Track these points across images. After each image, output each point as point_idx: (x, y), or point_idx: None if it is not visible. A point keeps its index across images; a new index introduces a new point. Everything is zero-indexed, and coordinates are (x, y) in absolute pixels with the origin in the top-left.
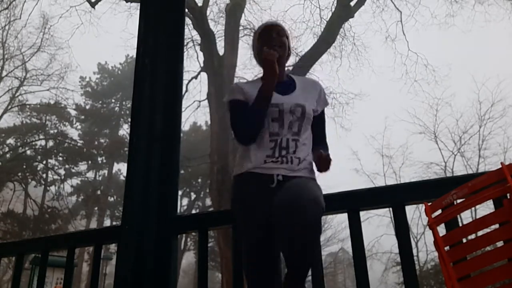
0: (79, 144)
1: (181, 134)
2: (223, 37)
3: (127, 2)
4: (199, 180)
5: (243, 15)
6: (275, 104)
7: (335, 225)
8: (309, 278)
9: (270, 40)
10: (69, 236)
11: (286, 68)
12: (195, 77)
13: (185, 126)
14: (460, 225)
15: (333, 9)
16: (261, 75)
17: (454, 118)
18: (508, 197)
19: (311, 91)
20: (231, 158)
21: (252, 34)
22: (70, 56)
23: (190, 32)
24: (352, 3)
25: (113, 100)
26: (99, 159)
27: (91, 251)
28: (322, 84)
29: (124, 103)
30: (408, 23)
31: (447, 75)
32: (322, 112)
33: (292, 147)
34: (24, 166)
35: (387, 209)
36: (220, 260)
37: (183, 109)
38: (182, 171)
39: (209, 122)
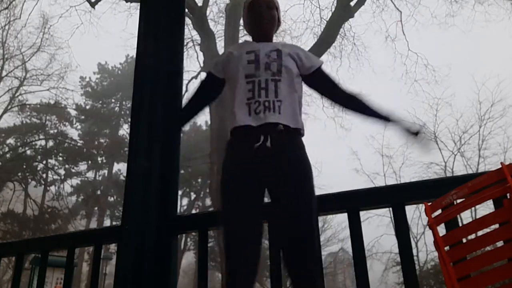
0: (79, 144)
1: (181, 134)
2: (223, 37)
3: (127, 2)
4: (199, 180)
5: None
6: (251, 50)
7: (335, 225)
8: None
9: (260, 13)
10: (69, 236)
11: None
12: (195, 77)
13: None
14: (460, 225)
15: (333, 9)
16: (250, 39)
17: (454, 118)
18: (508, 197)
19: (289, 47)
20: None
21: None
22: (70, 56)
23: (190, 32)
24: (352, 3)
25: (113, 100)
26: (99, 159)
27: (91, 251)
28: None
29: (124, 103)
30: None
31: (447, 75)
32: (319, 69)
33: (272, 87)
34: (24, 166)
35: (387, 209)
36: (220, 260)
37: None
38: (182, 171)
39: (209, 122)
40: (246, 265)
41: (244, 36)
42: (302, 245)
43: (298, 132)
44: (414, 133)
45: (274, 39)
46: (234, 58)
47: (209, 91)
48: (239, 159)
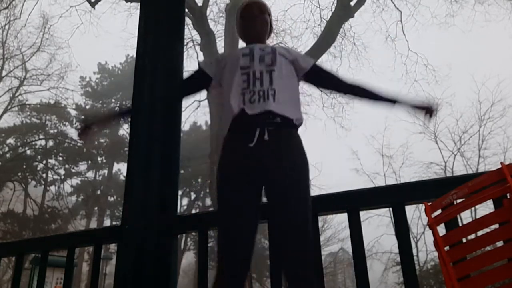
0: (79, 144)
1: (181, 134)
2: (223, 37)
3: (127, 2)
4: (199, 180)
5: None
6: (245, 47)
7: (335, 225)
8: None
9: (252, 17)
10: (69, 236)
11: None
12: None
13: (185, 126)
14: (460, 225)
15: (333, 9)
16: (244, 45)
17: (454, 118)
18: (508, 197)
19: (283, 49)
20: None
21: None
22: (70, 56)
23: (190, 32)
24: (352, 3)
25: (113, 100)
26: (99, 159)
27: (91, 251)
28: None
29: (124, 103)
30: (408, 23)
31: (447, 75)
32: (315, 66)
33: (267, 77)
34: (24, 166)
35: (387, 209)
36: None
37: (183, 109)
38: (182, 171)
39: (209, 122)
40: (237, 263)
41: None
42: (298, 241)
43: (295, 124)
44: (424, 109)
45: (273, 40)
46: (230, 55)
47: (193, 83)
48: (236, 156)
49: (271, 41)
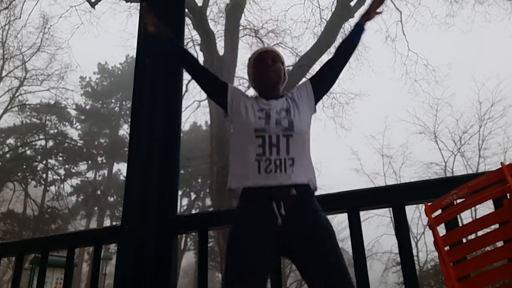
0: (79, 144)
1: (181, 134)
2: (223, 37)
3: (127, 2)
4: (199, 180)
5: (243, 15)
6: (262, 108)
7: (335, 225)
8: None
9: (265, 67)
10: (69, 236)
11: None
12: None
13: (185, 126)
14: (460, 225)
15: (333, 9)
16: (255, 94)
17: (454, 118)
18: (508, 197)
19: (300, 96)
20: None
21: (252, 33)
22: (70, 56)
23: (190, 32)
24: (352, 3)
25: (113, 100)
26: (99, 159)
27: (91, 251)
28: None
29: (124, 103)
30: (408, 23)
31: (447, 75)
32: (311, 79)
33: (284, 144)
34: (24, 166)
35: (387, 209)
36: (220, 260)
37: (183, 109)
38: (182, 171)
39: (209, 122)
40: None
41: (244, 36)
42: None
43: (311, 188)
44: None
45: (274, 40)
46: (244, 106)
47: (210, 83)
48: (252, 229)
49: (271, 41)
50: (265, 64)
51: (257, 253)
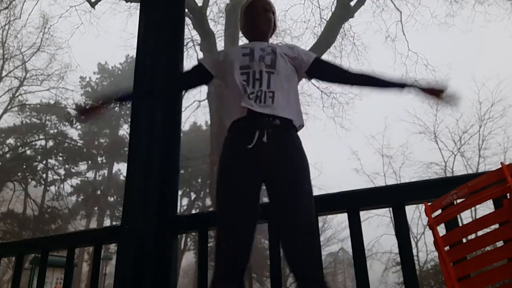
0: (79, 144)
1: (181, 134)
2: (223, 37)
3: (127, 2)
4: (199, 180)
5: None
6: (246, 46)
7: (335, 225)
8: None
9: (257, 14)
10: (69, 236)
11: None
12: None
13: (185, 126)
14: (460, 225)
15: (333, 9)
16: (247, 42)
17: (454, 118)
18: (508, 197)
19: (285, 47)
20: None
21: None
22: (70, 56)
23: (190, 32)
24: (352, 3)
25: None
26: (99, 159)
27: (91, 251)
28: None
29: (124, 103)
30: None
31: (447, 75)
32: (317, 59)
33: (266, 78)
34: (24, 166)
35: (387, 209)
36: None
37: (183, 109)
38: (182, 171)
39: (209, 122)
40: (236, 259)
41: (243, 37)
42: (306, 242)
43: (294, 125)
44: (437, 91)
45: (274, 40)
46: (230, 54)
47: (192, 78)
48: (235, 157)
49: (271, 41)
50: (256, 12)
51: (240, 177)
